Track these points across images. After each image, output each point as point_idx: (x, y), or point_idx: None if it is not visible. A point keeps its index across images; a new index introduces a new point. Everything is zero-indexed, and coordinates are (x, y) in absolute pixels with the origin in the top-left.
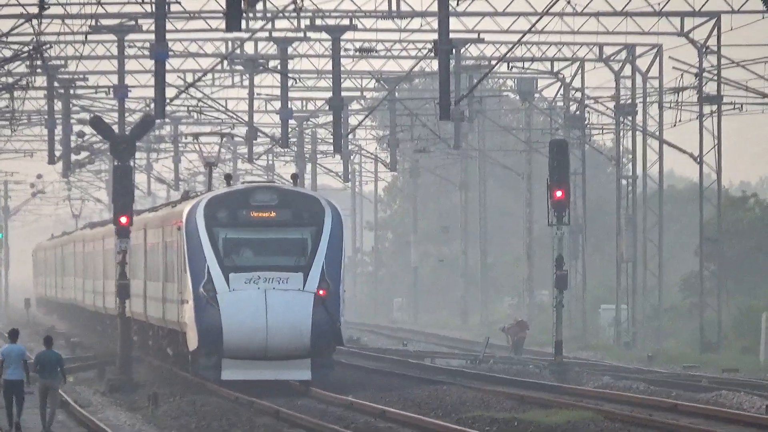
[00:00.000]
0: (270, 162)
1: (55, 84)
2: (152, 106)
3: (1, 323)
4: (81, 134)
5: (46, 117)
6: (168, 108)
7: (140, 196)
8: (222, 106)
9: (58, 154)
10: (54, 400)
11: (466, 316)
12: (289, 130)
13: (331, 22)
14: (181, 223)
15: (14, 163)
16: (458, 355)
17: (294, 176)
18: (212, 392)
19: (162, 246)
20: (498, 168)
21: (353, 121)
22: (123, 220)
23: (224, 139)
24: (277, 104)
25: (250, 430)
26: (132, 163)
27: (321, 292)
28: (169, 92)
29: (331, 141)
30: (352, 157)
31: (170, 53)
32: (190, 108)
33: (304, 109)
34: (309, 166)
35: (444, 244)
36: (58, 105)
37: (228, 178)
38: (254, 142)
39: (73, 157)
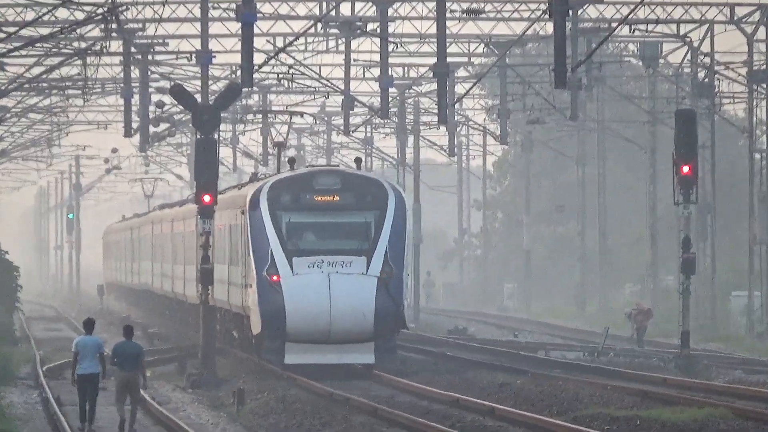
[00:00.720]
0: (368, 134)
1: (132, 49)
2: (238, 73)
3: (74, 312)
4: (160, 104)
5: (121, 85)
6: (256, 75)
7: (225, 172)
8: (315, 73)
9: (134, 126)
10: (135, 397)
11: (583, 304)
12: (390, 99)
13: None
14: (245, 206)
15: (87, 137)
16: (575, 346)
17: (357, 160)
18: (304, 387)
19: (227, 229)
20: (619, 141)
21: (460, 89)
22: (206, 198)
23: (292, 117)
24: (376, 71)
25: (346, 429)
26: (216, 136)
27: (384, 276)
28: (257, 58)
29: (436, 111)
30: (458, 129)
31: (258, 15)
32: (280, 75)
33: (406, 76)
34: (411, 139)
35: (559, 225)
36: (135, 72)
37: (292, 162)
38: (351, 112)
39: (152, 129)
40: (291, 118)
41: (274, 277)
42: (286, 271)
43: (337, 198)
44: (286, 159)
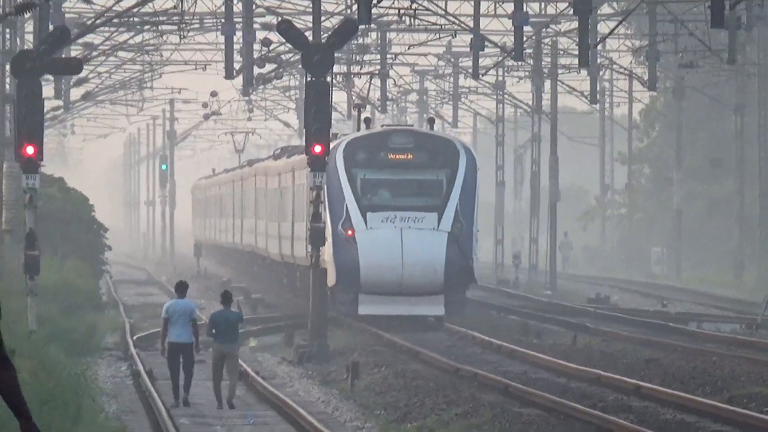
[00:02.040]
0: (500, 78)
1: None
2: (354, 8)
3: (167, 275)
4: (266, 42)
5: (222, 21)
6: (374, 11)
7: (339, 119)
8: (441, 9)
9: (237, 66)
10: (234, 370)
11: (741, 271)
12: (524, 39)
13: None
14: None
15: (183, 78)
16: (731, 318)
17: (431, 120)
18: (426, 362)
19: (305, 187)
20: None
21: (603, 28)
22: (317, 148)
23: (373, 78)
24: (510, 7)
25: (473, 410)
26: (329, 79)
27: (454, 231)
28: None
29: (576, 53)
30: (601, 74)
31: None
32: (402, 11)
33: (543, 13)
34: (548, 84)
35: (715, 182)
36: (237, 6)
37: (367, 121)
38: (480, 53)
39: (256, 70)
40: (371, 78)
41: (349, 232)
42: (360, 226)
43: (410, 156)
44: (363, 119)
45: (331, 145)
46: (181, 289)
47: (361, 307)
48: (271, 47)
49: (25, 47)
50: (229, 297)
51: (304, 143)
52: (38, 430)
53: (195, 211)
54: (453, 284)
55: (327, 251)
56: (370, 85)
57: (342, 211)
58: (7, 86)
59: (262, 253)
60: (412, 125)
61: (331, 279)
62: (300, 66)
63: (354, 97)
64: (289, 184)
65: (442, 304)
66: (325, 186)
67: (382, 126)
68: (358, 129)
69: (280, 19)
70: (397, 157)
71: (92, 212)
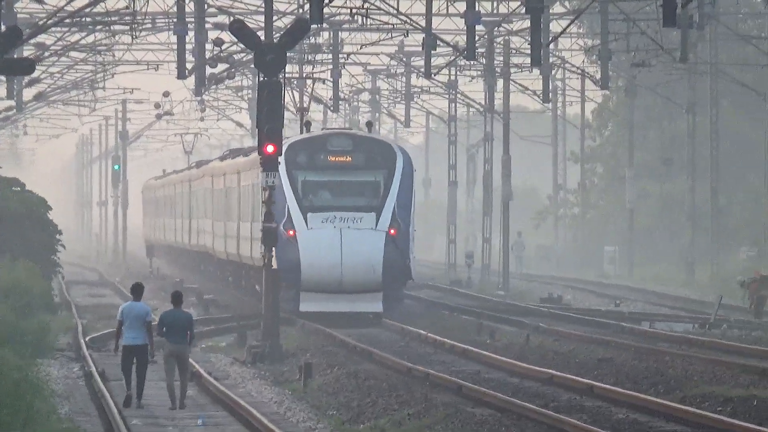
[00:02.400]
0: (452, 77)
1: None
2: (307, 7)
3: (120, 276)
4: (218, 42)
5: (174, 20)
6: (326, 11)
7: (291, 119)
8: (393, 8)
9: (189, 66)
10: (184, 371)
11: (693, 270)
12: (477, 38)
13: None
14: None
15: (135, 78)
16: (683, 318)
17: (369, 123)
18: (378, 362)
19: (251, 188)
20: (734, 86)
21: (555, 27)
22: (270, 148)
23: (314, 83)
24: (462, 6)
25: (426, 410)
26: (282, 79)
27: (392, 231)
28: None
29: (528, 52)
30: (553, 73)
31: None
32: (354, 10)
33: (495, 12)
34: (500, 83)
35: (666, 180)
36: (189, 6)
37: (308, 125)
38: (433, 52)
39: (209, 70)
40: (313, 83)
41: (290, 232)
42: (301, 226)
43: (349, 159)
44: (304, 123)
45: None
46: (137, 291)
47: (303, 304)
48: (223, 47)
49: None
50: (179, 297)
51: (256, 143)
52: None
53: (145, 211)
54: (391, 282)
55: None
56: (312, 88)
57: (284, 212)
58: None
59: (209, 252)
60: (351, 129)
61: None
62: (252, 66)
63: (306, 98)
64: (234, 185)
65: (380, 301)
66: None
67: (323, 129)
68: (301, 132)
69: (232, 18)
70: (337, 159)
71: (46, 212)
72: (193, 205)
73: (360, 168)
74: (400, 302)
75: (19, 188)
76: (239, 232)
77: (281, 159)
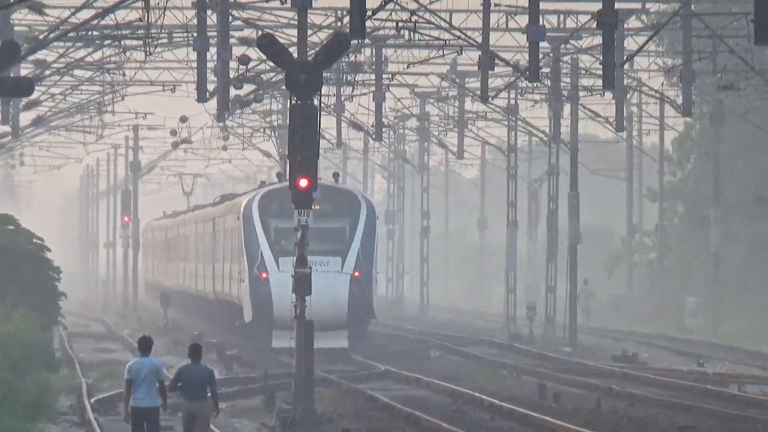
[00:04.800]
0: (512, 102)
1: None
2: (346, 20)
3: (129, 328)
4: (244, 60)
5: (194, 35)
6: (369, 24)
7: (327, 148)
8: (445, 22)
9: (210, 88)
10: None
11: None
12: (541, 57)
13: None
14: (239, 213)
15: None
16: None
17: (335, 174)
18: (427, 429)
19: (229, 232)
20: None
21: (631, 45)
22: (303, 182)
23: (276, 133)
24: (523, 20)
25: None
26: (317, 102)
27: (356, 273)
28: (371, 1)
29: (600, 73)
30: (628, 97)
31: None
32: (400, 24)
33: (562, 27)
34: (567, 108)
35: (759, 221)
36: (211, 18)
37: (279, 175)
38: (490, 73)
39: (233, 92)
40: (275, 133)
41: (264, 274)
42: (273, 269)
43: (317, 207)
44: (276, 174)
45: (248, 197)
46: (145, 346)
47: (275, 341)
48: (249, 66)
49: None
50: (199, 351)
51: (287, 176)
52: None
53: (144, 251)
54: (355, 320)
55: (244, 291)
56: (276, 139)
57: (257, 256)
58: None
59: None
60: (320, 178)
61: (247, 316)
62: (283, 87)
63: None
64: (213, 230)
65: (346, 338)
66: (243, 234)
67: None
68: (279, 180)
69: (260, 33)
70: None
71: (45, 253)
72: (187, 247)
73: (327, 215)
74: (363, 339)
75: (13, 226)
76: (221, 272)
77: (255, 208)
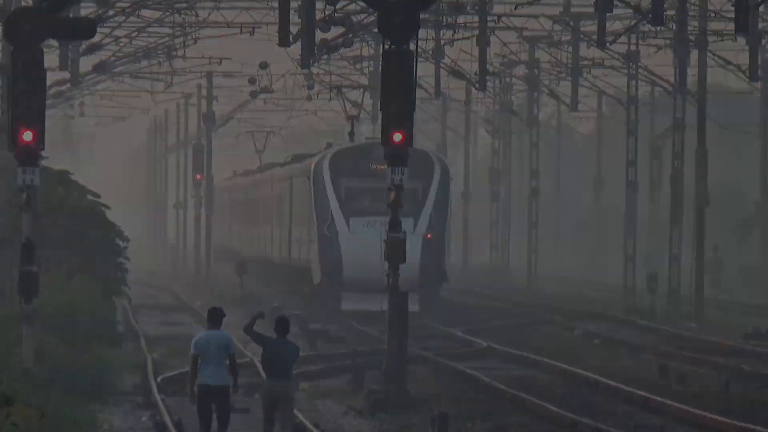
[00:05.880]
0: (632, 48)
1: None
2: None
3: (201, 299)
4: (332, 0)
5: None
6: None
7: (424, 98)
8: None
9: (294, 31)
10: (288, 416)
11: None
12: None
13: None
14: (309, 173)
15: (224, 45)
16: None
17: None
18: (534, 414)
19: (299, 193)
20: None
21: None
22: (397, 137)
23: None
24: None
25: None
26: (414, 47)
27: (429, 236)
28: None
29: (732, 16)
30: (763, 42)
31: None
32: None
33: None
34: (695, 55)
35: None
36: None
37: (351, 135)
38: (609, 15)
39: (319, 35)
40: (364, 93)
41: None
42: (343, 229)
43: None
44: (347, 133)
45: (319, 157)
46: (215, 317)
47: (344, 303)
48: (338, 5)
49: (23, 4)
50: (287, 325)
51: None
52: None
53: (221, 215)
54: (427, 283)
55: (312, 252)
56: (362, 101)
57: (327, 216)
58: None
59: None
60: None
61: (316, 278)
62: (376, 30)
63: (345, 111)
64: (290, 190)
65: (417, 302)
66: (313, 193)
67: (365, 139)
68: (351, 140)
69: None
70: (378, 167)
71: (103, 209)
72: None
73: None
74: (435, 303)
75: (70, 184)
76: (290, 236)
77: (326, 167)
